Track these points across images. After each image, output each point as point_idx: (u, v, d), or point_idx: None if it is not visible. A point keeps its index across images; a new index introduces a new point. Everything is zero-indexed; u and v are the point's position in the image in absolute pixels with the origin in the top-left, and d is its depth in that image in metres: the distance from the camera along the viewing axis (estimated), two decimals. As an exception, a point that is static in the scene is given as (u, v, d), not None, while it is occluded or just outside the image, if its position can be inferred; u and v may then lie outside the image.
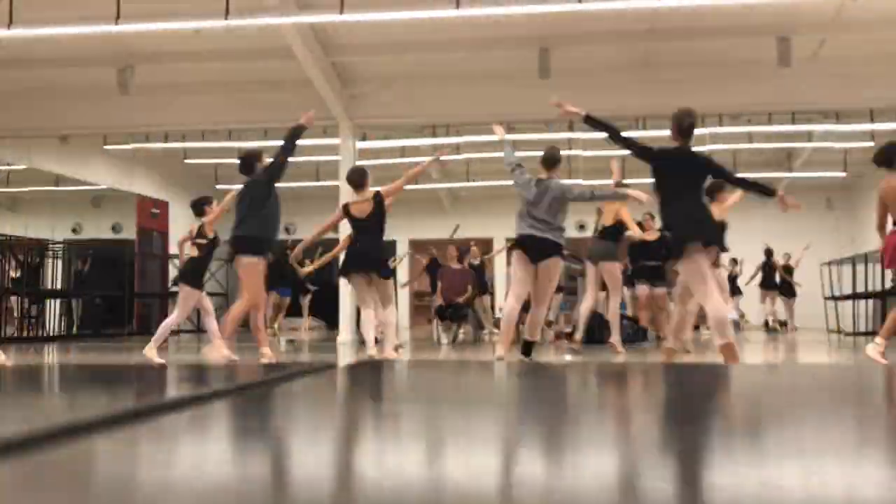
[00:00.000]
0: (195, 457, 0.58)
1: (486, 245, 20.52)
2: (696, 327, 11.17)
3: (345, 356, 9.31)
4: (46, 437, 0.58)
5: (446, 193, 19.76)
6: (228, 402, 0.87)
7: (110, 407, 0.92)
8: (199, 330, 14.37)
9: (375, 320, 6.92)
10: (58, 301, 14.48)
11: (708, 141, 14.49)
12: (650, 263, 9.91)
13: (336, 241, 9.57)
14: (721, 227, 6.76)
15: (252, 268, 6.59)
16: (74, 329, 14.95)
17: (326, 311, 15.34)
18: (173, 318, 7.72)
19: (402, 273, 19.62)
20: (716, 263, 6.89)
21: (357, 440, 0.65)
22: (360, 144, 13.57)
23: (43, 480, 0.47)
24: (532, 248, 6.35)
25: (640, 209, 8.49)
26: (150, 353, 7.22)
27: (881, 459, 0.62)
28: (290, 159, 6.77)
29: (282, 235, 20.39)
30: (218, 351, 6.90)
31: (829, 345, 10.95)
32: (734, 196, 7.71)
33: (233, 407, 0.85)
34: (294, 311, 15.79)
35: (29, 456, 0.53)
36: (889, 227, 6.46)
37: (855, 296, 13.73)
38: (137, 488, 0.47)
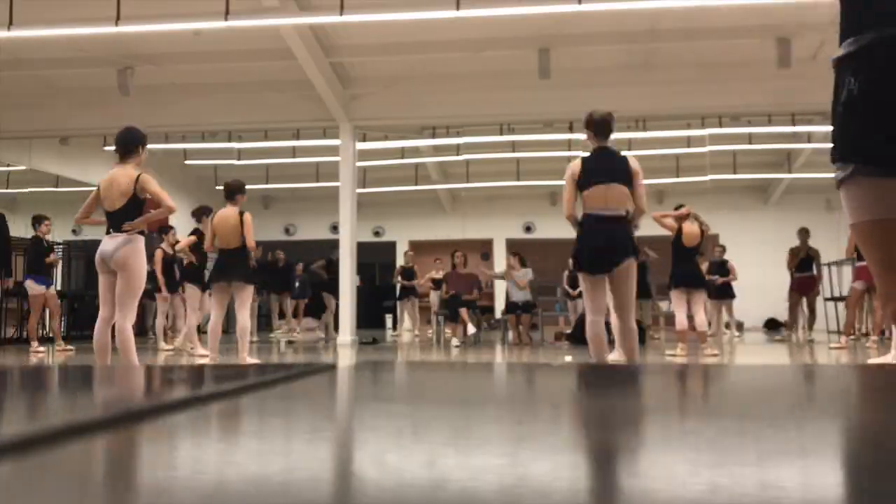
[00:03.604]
0: (195, 457, 0.58)
1: (485, 246, 20.51)
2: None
3: (345, 356, 9.31)
4: (46, 437, 0.58)
5: (446, 194, 19.75)
6: (228, 403, 0.87)
7: (110, 407, 0.92)
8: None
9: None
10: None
11: (707, 142, 14.49)
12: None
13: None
14: None
15: None
16: (67, 329, 14.93)
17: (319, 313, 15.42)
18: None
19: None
20: None
21: (357, 440, 0.65)
22: (360, 145, 13.57)
23: (43, 480, 0.47)
24: None
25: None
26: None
27: None
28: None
29: (281, 236, 20.43)
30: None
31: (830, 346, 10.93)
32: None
33: (232, 407, 0.85)
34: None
35: (29, 456, 0.53)
36: None
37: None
38: (137, 488, 0.46)
